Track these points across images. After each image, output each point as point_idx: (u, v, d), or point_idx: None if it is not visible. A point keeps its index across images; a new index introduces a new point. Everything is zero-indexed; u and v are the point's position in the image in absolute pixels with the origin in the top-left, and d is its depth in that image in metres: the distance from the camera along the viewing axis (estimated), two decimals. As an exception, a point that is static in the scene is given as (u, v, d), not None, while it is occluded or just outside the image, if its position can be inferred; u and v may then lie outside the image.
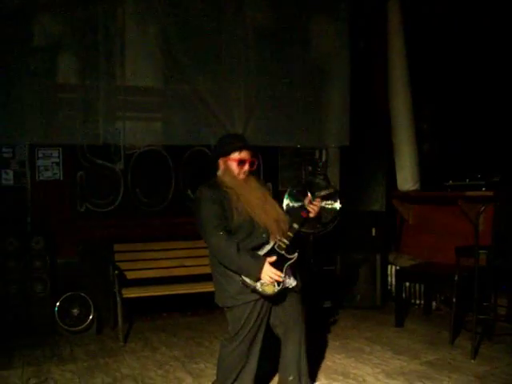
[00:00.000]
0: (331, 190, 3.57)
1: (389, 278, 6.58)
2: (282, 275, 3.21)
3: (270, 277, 3.16)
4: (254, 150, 3.46)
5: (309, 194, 3.46)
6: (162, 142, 6.14)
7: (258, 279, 3.18)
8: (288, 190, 3.84)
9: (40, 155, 5.71)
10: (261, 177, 6.61)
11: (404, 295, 6.15)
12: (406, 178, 6.52)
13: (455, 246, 5.07)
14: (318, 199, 3.46)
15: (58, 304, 5.35)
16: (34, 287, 5.36)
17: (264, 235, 3.31)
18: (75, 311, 5.40)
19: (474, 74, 6.06)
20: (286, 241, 3.30)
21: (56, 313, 5.33)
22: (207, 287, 5.46)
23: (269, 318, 3.43)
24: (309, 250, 5.98)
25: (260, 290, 3.20)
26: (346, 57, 6.70)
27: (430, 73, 6.50)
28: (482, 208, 4.62)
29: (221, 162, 3.43)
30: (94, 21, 5.61)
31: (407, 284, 6.25)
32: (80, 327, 5.37)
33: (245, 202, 3.30)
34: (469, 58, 6.13)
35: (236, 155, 3.36)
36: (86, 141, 5.72)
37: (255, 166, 3.45)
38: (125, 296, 5.22)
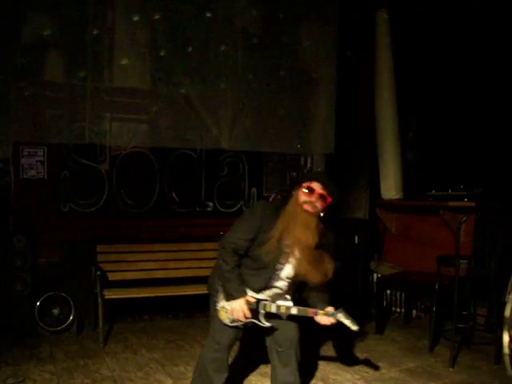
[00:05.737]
0: (355, 327, 3.22)
1: (370, 286, 6.62)
2: (241, 322, 3.21)
3: (234, 310, 3.16)
4: (331, 188, 3.18)
5: (328, 308, 3.22)
6: (148, 143, 6.12)
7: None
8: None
9: (25, 153, 5.65)
10: (245, 181, 6.65)
11: (385, 303, 6.19)
12: (390, 187, 6.56)
13: (436, 255, 5.13)
14: (334, 318, 3.20)
15: (38, 304, 5.30)
16: (15, 286, 5.29)
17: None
18: (55, 311, 5.36)
19: (459, 85, 6.14)
20: (273, 309, 3.21)
21: (36, 312, 5.29)
22: (189, 290, 5.52)
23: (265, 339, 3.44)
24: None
25: (218, 308, 3.27)
26: (333, 65, 6.72)
27: (416, 82, 6.57)
28: (464, 218, 4.69)
29: (293, 192, 3.26)
30: (83, 21, 5.56)
31: (388, 292, 6.30)
32: (60, 327, 5.34)
33: (288, 234, 3.12)
34: (454, 69, 6.22)
35: (306, 184, 3.21)
36: (72, 140, 5.67)
37: (326, 203, 3.17)
38: (106, 297, 5.19)
